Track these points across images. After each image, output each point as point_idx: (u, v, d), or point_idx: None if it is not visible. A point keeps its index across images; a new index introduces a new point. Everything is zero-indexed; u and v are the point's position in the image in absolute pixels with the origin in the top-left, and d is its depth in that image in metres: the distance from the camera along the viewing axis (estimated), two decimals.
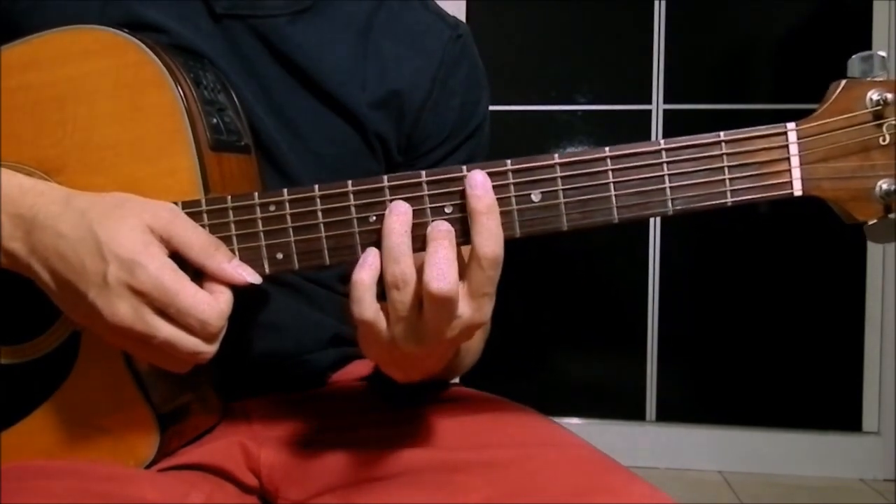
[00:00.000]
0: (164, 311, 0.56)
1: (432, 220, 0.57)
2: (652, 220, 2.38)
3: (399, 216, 0.56)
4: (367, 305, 0.56)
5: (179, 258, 0.58)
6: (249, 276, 0.60)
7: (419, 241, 0.56)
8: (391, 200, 0.58)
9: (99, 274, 0.56)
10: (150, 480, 0.62)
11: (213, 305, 0.57)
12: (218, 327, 0.58)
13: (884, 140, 0.56)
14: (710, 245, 2.49)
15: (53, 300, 0.60)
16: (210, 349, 0.58)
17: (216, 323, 0.57)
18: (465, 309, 0.56)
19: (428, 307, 0.55)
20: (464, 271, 0.56)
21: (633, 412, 2.49)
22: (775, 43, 2.48)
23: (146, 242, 0.57)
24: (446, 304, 0.54)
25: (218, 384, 0.71)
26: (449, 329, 0.56)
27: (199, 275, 0.59)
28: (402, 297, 0.55)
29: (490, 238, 0.55)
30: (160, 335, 0.56)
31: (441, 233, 0.56)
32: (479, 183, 0.56)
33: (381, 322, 0.57)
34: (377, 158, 0.80)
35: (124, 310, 0.56)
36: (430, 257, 0.55)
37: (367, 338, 0.58)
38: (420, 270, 0.55)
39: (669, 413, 2.48)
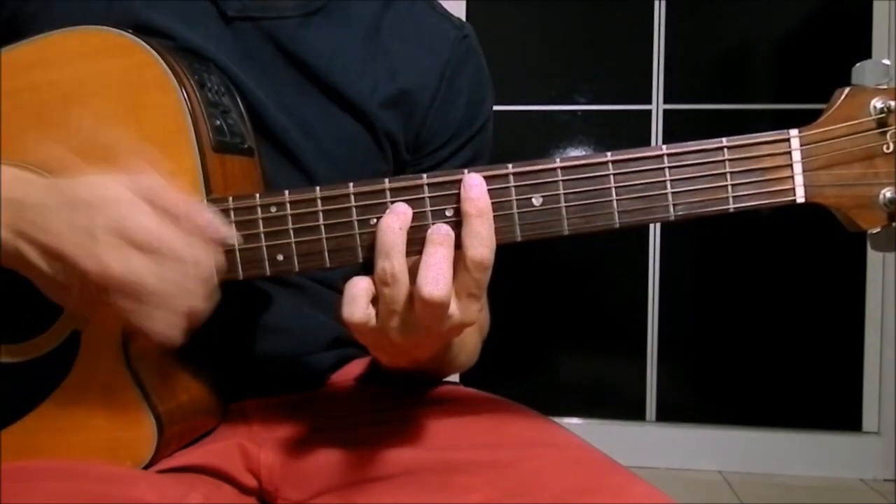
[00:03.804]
0: (156, 260, 0.54)
1: (432, 223, 0.57)
2: None
3: (397, 216, 0.56)
4: (357, 306, 0.56)
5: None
6: (225, 230, 0.58)
7: (419, 244, 0.56)
8: (392, 202, 0.57)
9: (87, 231, 0.54)
10: (149, 481, 0.62)
11: (207, 251, 0.56)
12: (210, 270, 0.56)
13: (888, 148, 0.56)
14: (710, 245, 2.49)
15: (44, 290, 0.59)
16: (202, 299, 0.56)
17: (209, 265, 0.56)
18: (454, 309, 0.55)
19: (420, 308, 0.54)
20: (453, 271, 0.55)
21: (633, 412, 2.49)
22: (775, 43, 2.48)
23: (131, 199, 0.55)
24: (439, 307, 0.54)
25: (218, 385, 0.71)
26: (439, 327, 0.56)
27: None
28: (393, 293, 0.55)
29: (480, 242, 0.55)
30: (149, 283, 0.54)
31: (440, 236, 0.55)
32: (473, 186, 0.56)
33: (371, 323, 0.57)
34: (386, 159, 0.80)
35: (114, 261, 0.54)
36: (426, 260, 0.54)
37: (355, 332, 0.59)
38: (413, 271, 0.55)
39: (669, 413, 2.49)
